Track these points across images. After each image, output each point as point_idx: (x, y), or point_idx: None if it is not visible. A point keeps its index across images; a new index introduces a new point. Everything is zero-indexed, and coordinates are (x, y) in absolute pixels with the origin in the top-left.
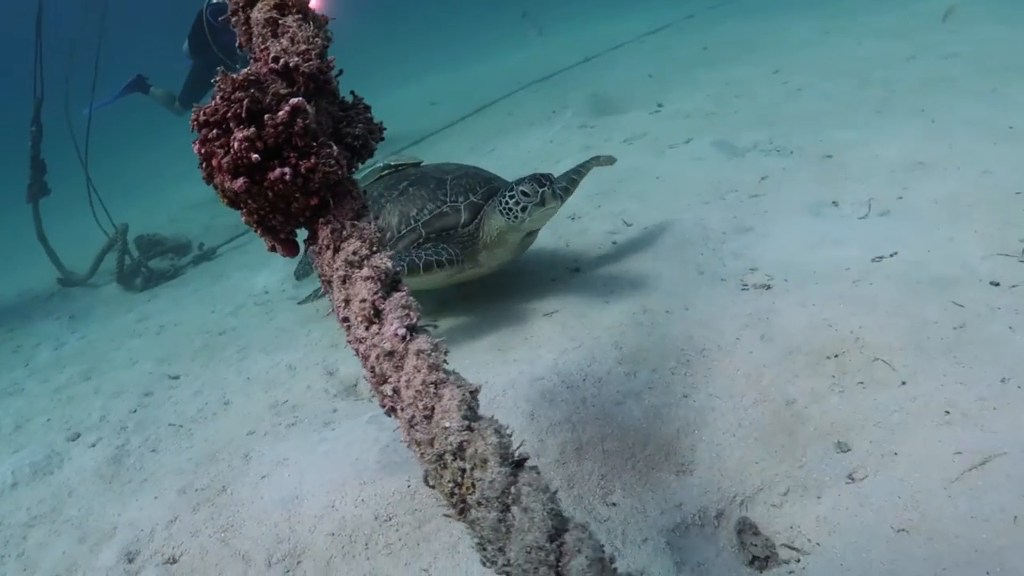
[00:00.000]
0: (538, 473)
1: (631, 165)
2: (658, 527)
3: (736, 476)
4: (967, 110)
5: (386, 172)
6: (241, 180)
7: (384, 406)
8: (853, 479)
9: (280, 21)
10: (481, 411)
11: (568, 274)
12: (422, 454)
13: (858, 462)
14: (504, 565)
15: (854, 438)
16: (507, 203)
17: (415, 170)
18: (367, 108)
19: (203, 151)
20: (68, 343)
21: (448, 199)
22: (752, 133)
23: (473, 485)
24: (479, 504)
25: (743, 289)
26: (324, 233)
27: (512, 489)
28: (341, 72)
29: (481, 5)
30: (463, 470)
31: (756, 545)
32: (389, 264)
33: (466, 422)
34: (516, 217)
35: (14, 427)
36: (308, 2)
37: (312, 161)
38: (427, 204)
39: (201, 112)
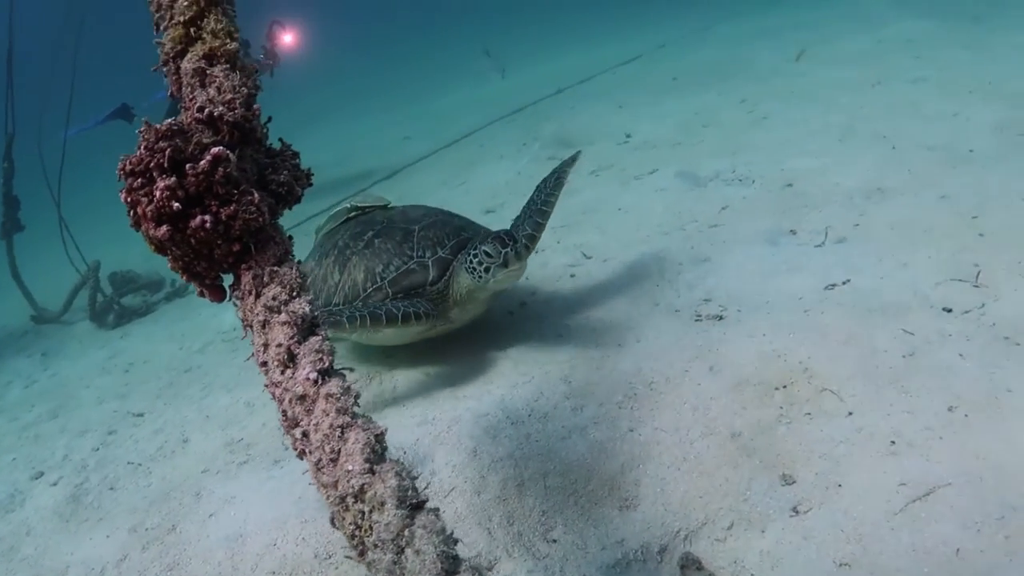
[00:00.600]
0: (436, 516)
1: (596, 196)
2: (598, 564)
3: (680, 511)
4: (929, 135)
5: (353, 214)
6: (164, 228)
7: (296, 449)
8: (797, 512)
9: (208, 71)
10: (425, 448)
11: (524, 308)
12: (328, 497)
13: (803, 494)
14: None
15: (799, 470)
16: (471, 263)
17: (382, 214)
18: (295, 155)
19: (129, 199)
20: (39, 381)
21: (415, 254)
22: (716, 162)
23: (371, 527)
24: (375, 546)
25: (696, 320)
26: (246, 279)
27: (407, 532)
28: (270, 119)
29: (453, 38)
30: (363, 512)
31: None
32: (307, 309)
33: (368, 465)
34: (480, 277)
35: None
36: (237, 52)
37: (233, 208)
38: (393, 260)
39: (127, 161)
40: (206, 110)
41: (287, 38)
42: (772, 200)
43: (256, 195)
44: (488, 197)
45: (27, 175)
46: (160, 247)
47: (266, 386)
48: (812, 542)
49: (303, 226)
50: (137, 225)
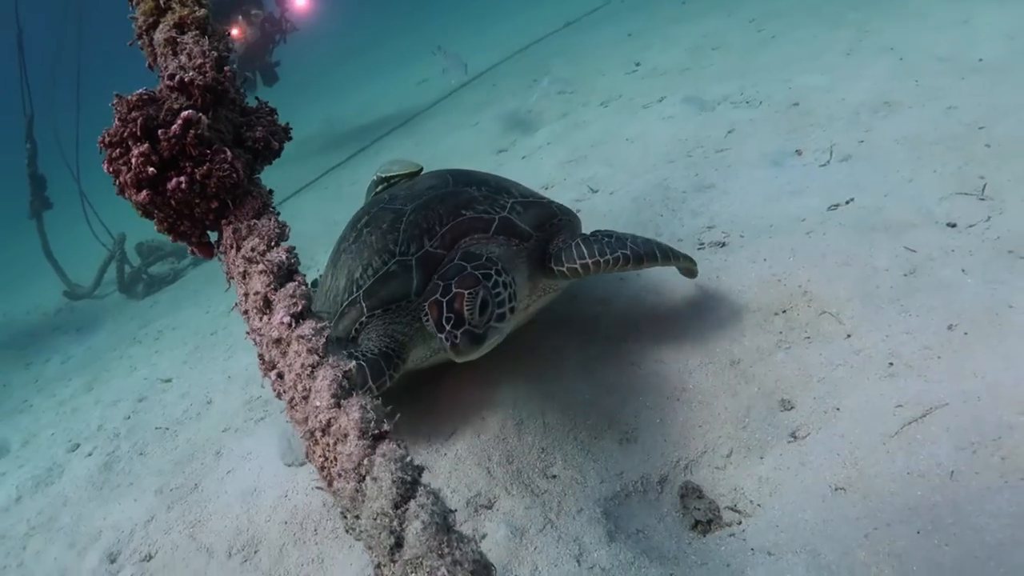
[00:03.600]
0: (398, 446)
1: (604, 128)
2: (595, 497)
3: (680, 441)
4: (937, 45)
5: (380, 188)
6: (144, 193)
7: (274, 391)
8: (796, 438)
9: (178, 40)
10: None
11: None
12: (301, 432)
13: (801, 420)
14: (360, 532)
15: (798, 395)
16: (424, 316)
17: (399, 188)
18: (272, 111)
19: (111, 169)
20: (74, 356)
21: (399, 249)
22: (723, 86)
23: (335, 458)
24: (339, 476)
25: (699, 248)
26: (227, 233)
27: (366, 461)
28: (246, 79)
29: None
30: (329, 444)
31: (699, 509)
32: (283, 257)
33: (334, 400)
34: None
35: (22, 443)
36: (206, 18)
37: (207, 168)
38: (373, 259)
39: (105, 134)
40: (176, 76)
41: (299, 2)
42: (778, 121)
43: (229, 153)
44: (500, 136)
45: (43, 154)
46: (144, 211)
47: (247, 334)
48: (809, 467)
49: (327, 177)
50: (121, 192)
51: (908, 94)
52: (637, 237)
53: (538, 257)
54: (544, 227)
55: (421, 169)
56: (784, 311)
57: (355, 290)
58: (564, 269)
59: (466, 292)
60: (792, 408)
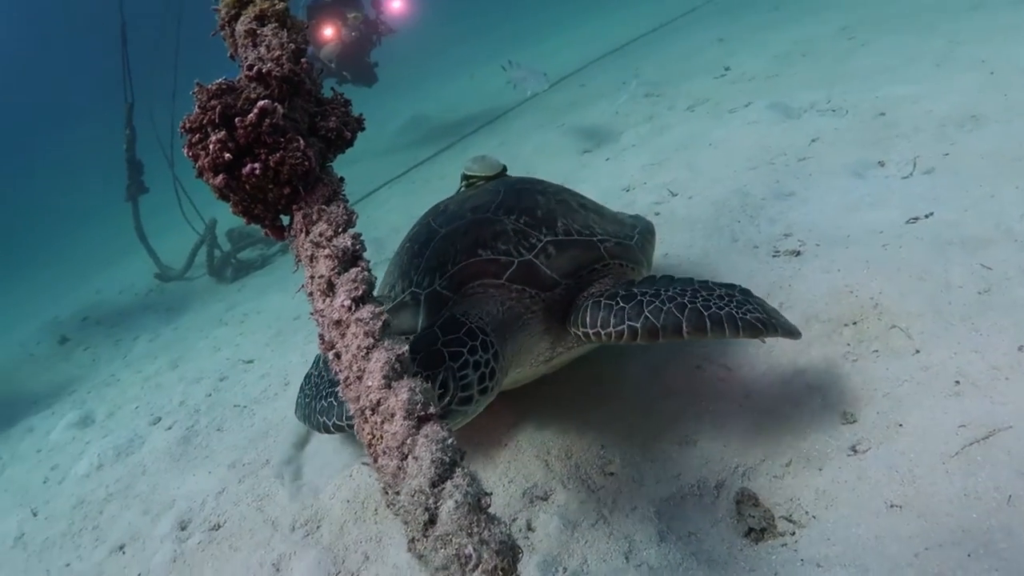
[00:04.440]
0: (441, 428)
1: (689, 132)
2: (650, 497)
3: (739, 447)
4: None
5: (463, 186)
6: (221, 177)
7: (332, 370)
8: (856, 451)
9: (258, 31)
10: None
11: None
12: (353, 410)
13: (863, 434)
14: (398, 507)
15: (861, 409)
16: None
17: (459, 198)
18: (346, 103)
19: (190, 154)
20: (162, 335)
21: (415, 279)
22: (810, 93)
23: (382, 436)
24: (384, 453)
25: (774, 255)
26: (297, 218)
27: (409, 441)
28: (322, 71)
29: None
30: (377, 423)
31: (754, 516)
32: (348, 243)
33: (386, 381)
34: None
35: (107, 415)
36: (286, 11)
37: (280, 155)
38: (399, 282)
39: (185, 120)
40: (255, 67)
41: (395, 4)
42: (863, 131)
43: (302, 142)
44: (585, 137)
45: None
46: (221, 194)
47: (311, 314)
48: (866, 482)
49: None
50: (200, 175)
51: (996, 109)
52: (685, 295)
53: (568, 306)
54: (580, 273)
55: (504, 169)
56: (854, 323)
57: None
58: (579, 332)
59: (424, 374)
60: (854, 421)
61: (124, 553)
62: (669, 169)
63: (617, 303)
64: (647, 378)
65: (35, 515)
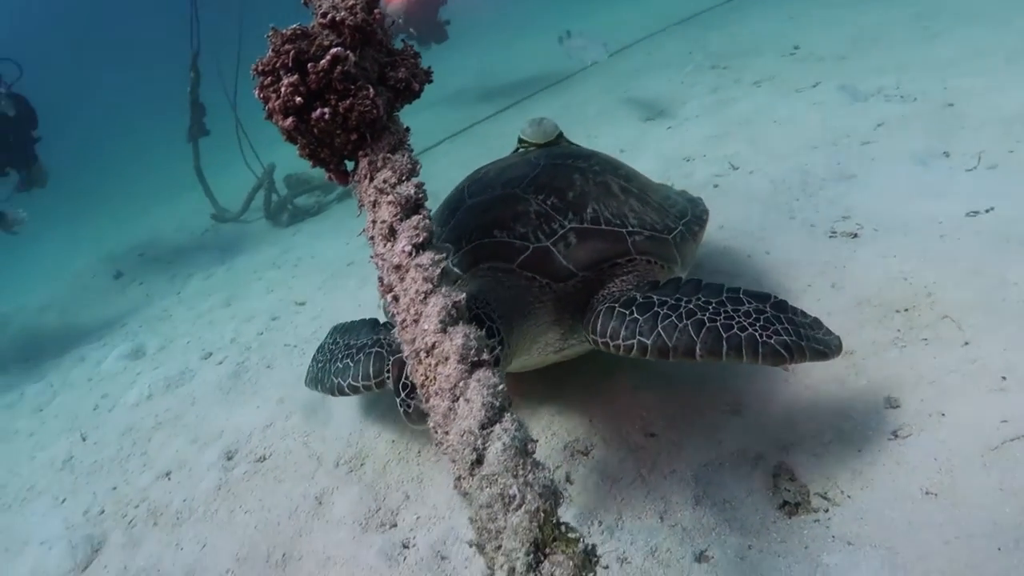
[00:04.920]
0: (493, 374)
1: (754, 107)
2: (689, 461)
3: (782, 421)
4: None
5: (519, 149)
6: (290, 119)
7: (388, 313)
8: (897, 436)
9: None
10: None
11: None
12: (407, 351)
13: (905, 419)
14: (447, 446)
15: (906, 395)
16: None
17: (498, 165)
18: (415, 55)
19: (261, 96)
20: (216, 274)
21: None
22: (880, 78)
23: (435, 378)
24: (436, 394)
25: (830, 236)
26: (363, 164)
27: (462, 384)
28: (393, 23)
29: None
30: (431, 365)
31: (789, 491)
32: (412, 191)
33: (442, 325)
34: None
35: (159, 348)
36: None
37: (349, 102)
38: None
39: (259, 63)
40: (329, 15)
41: None
42: (930, 120)
43: (372, 90)
44: (649, 106)
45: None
46: (289, 136)
47: (371, 258)
48: (904, 467)
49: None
50: (269, 117)
51: None
52: (707, 309)
53: (584, 299)
54: (600, 266)
55: (559, 136)
56: (906, 310)
57: None
58: (589, 338)
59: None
60: (898, 407)
61: (170, 479)
62: (731, 142)
63: (631, 313)
64: None
65: (84, 440)
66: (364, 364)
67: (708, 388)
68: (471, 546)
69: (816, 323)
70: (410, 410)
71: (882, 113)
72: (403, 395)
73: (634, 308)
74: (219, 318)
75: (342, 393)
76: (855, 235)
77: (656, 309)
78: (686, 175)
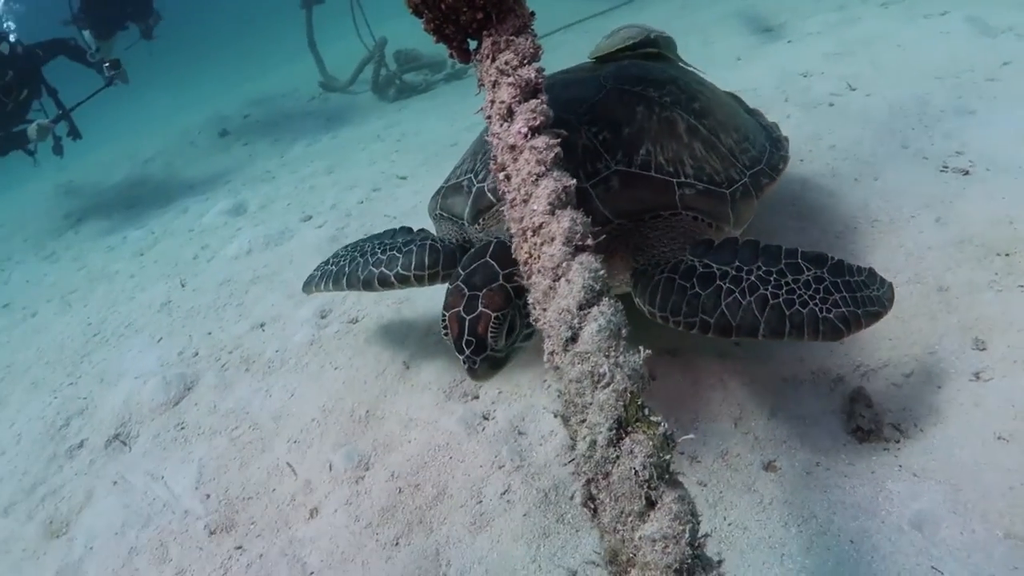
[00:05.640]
0: (595, 259)
1: (879, 29)
2: (770, 374)
3: (866, 348)
4: None
5: (615, 51)
6: None
7: (500, 190)
8: (978, 378)
9: None
10: None
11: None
12: (513, 228)
13: (989, 362)
14: (543, 322)
15: (994, 338)
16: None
17: (570, 77)
18: None
19: None
20: (320, 141)
21: (476, 166)
22: (1013, 15)
23: (539, 257)
24: (538, 272)
25: (941, 170)
26: (486, 44)
27: (564, 264)
28: None
29: None
30: (536, 244)
31: (864, 416)
32: (532, 75)
33: (551, 207)
34: None
35: (260, 207)
36: None
37: None
38: (467, 158)
39: None
40: None
41: None
42: None
43: None
44: (770, 16)
45: None
46: (416, 10)
47: (487, 136)
48: (980, 409)
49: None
50: None
51: None
52: (768, 281)
53: (623, 243)
54: (640, 217)
55: (650, 36)
56: (1007, 254)
57: (450, 177)
58: (644, 309)
59: (493, 315)
60: (984, 349)
61: (264, 330)
62: (851, 62)
63: (692, 287)
64: None
65: (183, 286)
66: (418, 254)
67: None
68: (555, 416)
69: (871, 276)
70: (476, 367)
71: (1011, 51)
72: (468, 352)
73: (695, 280)
74: (321, 184)
75: (384, 284)
76: (966, 172)
77: (718, 283)
78: (803, 89)
